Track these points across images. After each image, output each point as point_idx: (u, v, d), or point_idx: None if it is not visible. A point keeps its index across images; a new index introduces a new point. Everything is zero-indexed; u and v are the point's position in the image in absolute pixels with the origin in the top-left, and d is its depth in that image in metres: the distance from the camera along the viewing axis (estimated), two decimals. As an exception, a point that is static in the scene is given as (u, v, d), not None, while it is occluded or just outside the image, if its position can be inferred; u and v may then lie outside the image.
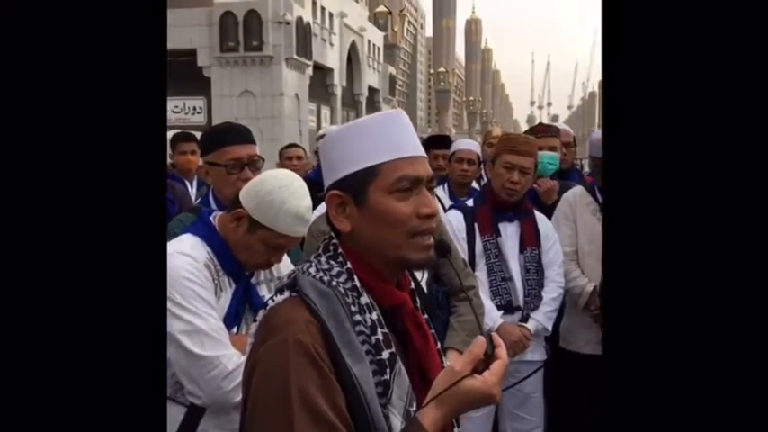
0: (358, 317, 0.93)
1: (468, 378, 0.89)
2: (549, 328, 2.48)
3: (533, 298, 2.45)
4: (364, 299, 0.96)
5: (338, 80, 23.82)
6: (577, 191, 2.79)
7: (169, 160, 4.05)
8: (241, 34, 19.06)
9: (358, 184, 0.97)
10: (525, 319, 2.44)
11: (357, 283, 0.97)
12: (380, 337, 0.94)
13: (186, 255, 1.48)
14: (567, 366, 2.65)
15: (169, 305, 1.40)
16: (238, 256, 1.57)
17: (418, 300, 1.08)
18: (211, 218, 1.65)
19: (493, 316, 2.39)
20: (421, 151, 1.01)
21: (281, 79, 18.44)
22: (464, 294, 2.02)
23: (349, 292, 0.95)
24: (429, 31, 73.48)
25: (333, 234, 1.02)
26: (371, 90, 28.03)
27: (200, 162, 2.09)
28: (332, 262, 0.99)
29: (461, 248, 2.45)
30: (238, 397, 1.26)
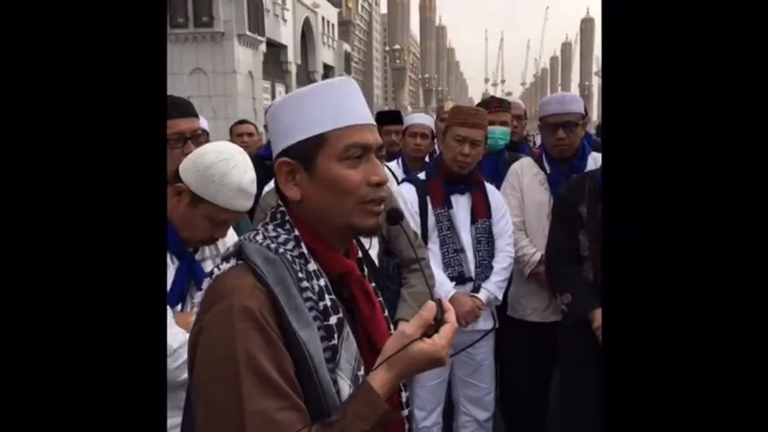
0: (305, 283, 0.93)
1: (417, 341, 0.91)
2: (500, 297, 2.53)
3: (484, 269, 2.49)
4: (311, 266, 0.96)
5: (292, 57, 23.43)
6: (524, 161, 2.83)
7: None
8: (191, 9, 18.48)
9: (307, 152, 0.97)
10: (477, 289, 2.48)
11: (304, 250, 0.96)
12: (328, 303, 0.94)
13: None
14: (515, 334, 2.72)
15: None
16: (181, 233, 1.53)
17: (366, 269, 1.08)
18: None
19: (445, 287, 2.42)
20: (370, 119, 1.01)
21: (233, 56, 18.01)
22: (415, 266, 2.04)
23: (296, 260, 0.95)
24: (384, 8, 72.81)
25: (281, 202, 1.02)
26: (327, 67, 27.69)
27: None
28: (279, 230, 0.98)
29: (414, 221, 2.47)
30: (184, 375, 1.24)
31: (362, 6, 62.03)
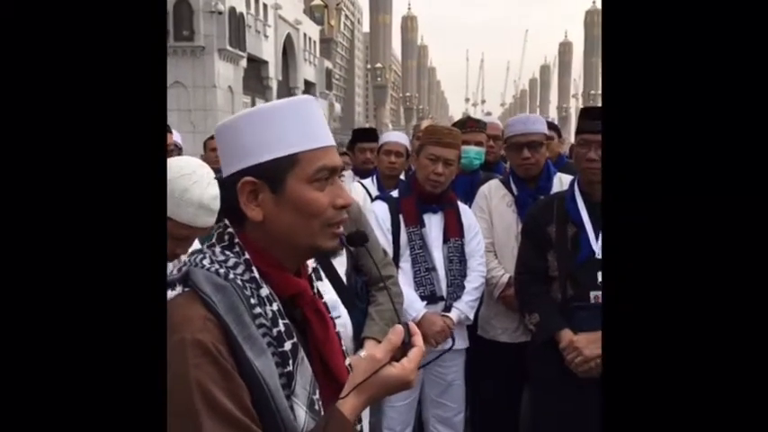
0: (258, 309, 0.90)
1: (387, 366, 0.91)
2: (471, 317, 2.53)
3: (456, 288, 2.49)
4: (264, 290, 0.93)
5: (273, 73, 23.47)
6: (492, 184, 2.86)
7: None
8: (171, 23, 18.44)
9: (276, 172, 0.94)
10: (448, 308, 2.47)
11: (256, 274, 0.93)
12: (282, 328, 0.91)
13: None
14: (486, 354, 2.72)
15: None
16: None
17: (314, 285, 1.07)
18: None
19: (416, 306, 2.41)
20: (333, 140, 1.00)
21: (213, 71, 17.99)
22: (383, 284, 2.03)
23: (247, 284, 0.92)
24: (366, 27, 73.51)
25: (227, 223, 0.98)
26: (308, 84, 27.79)
27: None
28: (227, 252, 0.94)
29: (386, 239, 2.46)
30: None
31: (345, 24, 62.53)
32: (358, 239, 1.03)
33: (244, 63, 20.62)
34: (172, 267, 1.63)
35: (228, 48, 19.07)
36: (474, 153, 3.20)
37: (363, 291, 2.01)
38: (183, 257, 1.62)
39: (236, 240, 0.95)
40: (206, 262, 0.92)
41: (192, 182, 1.46)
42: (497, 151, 3.86)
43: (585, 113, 2.17)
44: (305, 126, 0.95)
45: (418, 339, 0.96)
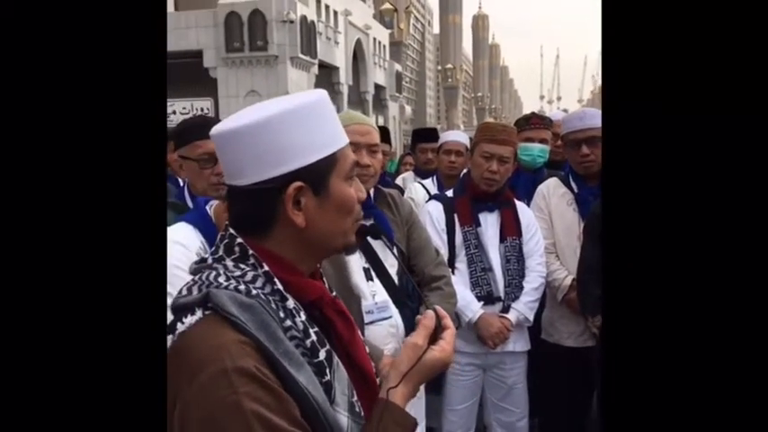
0: (288, 322, 0.86)
1: (429, 350, 0.96)
2: (531, 318, 2.45)
3: (514, 288, 2.41)
4: (290, 303, 0.88)
5: (344, 78, 23.84)
6: (551, 182, 2.75)
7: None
8: (246, 34, 19.15)
9: (320, 174, 0.89)
10: (506, 309, 2.40)
11: (279, 286, 0.88)
12: (314, 338, 0.88)
13: (178, 243, 1.46)
14: (550, 358, 2.62)
15: None
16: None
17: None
18: (207, 207, 1.62)
19: (473, 307, 2.36)
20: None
21: (286, 78, 18.50)
22: (436, 284, 2.00)
23: (271, 298, 0.86)
24: (436, 28, 73.21)
25: (233, 232, 0.91)
26: (378, 87, 28.03)
27: (176, 156, 2.08)
28: (242, 266, 0.88)
29: (441, 239, 2.43)
30: None
31: (415, 27, 62.55)
32: (374, 233, 1.05)
33: (315, 70, 21.07)
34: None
35: (300, 55, 19.55)
36: (537, 150, 3.10)
37: (415, 291, 1.99)
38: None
39: (251, 252, 0.89)
40: (222, 280, 0.86)
41: None
42: (562, 150, 3.73)
43: None
44: (335, 123, 0.93)
45: (448, 321, 1.00)
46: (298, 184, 0.88)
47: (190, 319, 0.83)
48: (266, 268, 0.88)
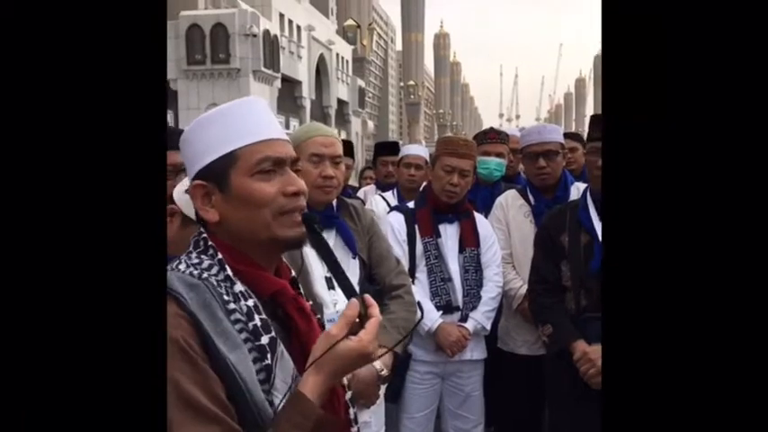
0: (232, 305, 0.92)
1: (344, 340, 0.91)
2: (488, 327, 2.52)
3: (472, 298, 2.48)
4: (238, 287, 0.95)
5: (307, 93, 23.86)
6: (510, 194, 2.85)
7: None
8: (208, 47, 19.00)
9: (219, 171, 0.97)
10: (464, 318, 2.47)
11: (229, 272, 0.96)
12: (258, 323, 0.93)
13: None
14: (505, 366, 2.69)
15: None
16: (172, 252, 1.58)
17: (301, 289, 1.08)
18: None
19: (432, 316, 2.42)
20: (280, 134, 1.01)
21: (248, 91, 18.41)
22: (396, 292, 2.05)
23: (222, 283, 0.94)
24: (399, 45, 74.11)
25: (202, 228, 1.01)
26: (341, 102, 28.12)
27: None
28: (202, 256, 0.97)
29: (402, 250, 2.48)
30: None
31: (378, 44, 63.19)
32: (308, 224, 1.01)
33: (278, 83, 21.00)
34: None
35: (263, 69, 19.47)
36: (494, 164, 3.19)
37: (376, 299, 2.03)
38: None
39: (210, 243, 0.98)
40: (182, 267, 0.96)
41: None
42: (517, 165, 3.84)
43: (596, 121, 2.16)
44: (242, 124, 0.98)
45: (374, 311, 0.96)
46: (196, 182, 0.99)
47: None
48: (220, 257, 0.97)
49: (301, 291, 1.08)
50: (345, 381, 1.06)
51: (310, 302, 1.08)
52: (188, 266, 0.96)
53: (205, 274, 0.94)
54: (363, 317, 0.95)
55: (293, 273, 1.08)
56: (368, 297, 0.97)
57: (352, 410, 1.06)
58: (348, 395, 1.07)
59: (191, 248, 1.00)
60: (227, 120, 0.99)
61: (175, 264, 0.97)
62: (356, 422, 1.07)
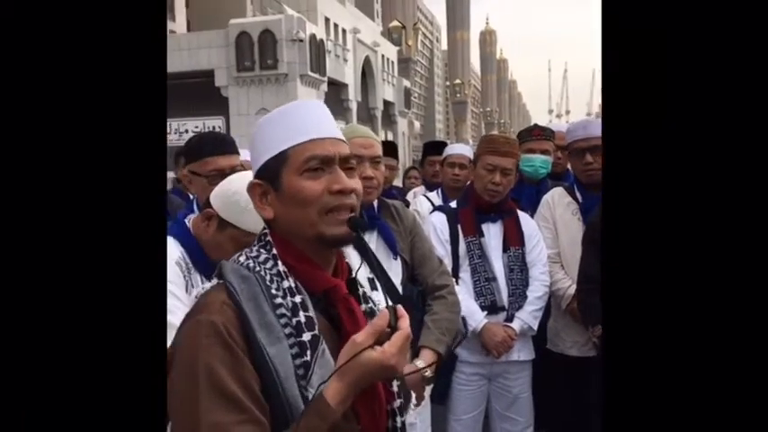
0: (279, 300, 0.96)
1: (368, 350, 0.91)
2: (535, 327, 2.47)
3: (518, 298, 2.44)
4: (287, 283, 0.98)
5: (353, 95, 24.04)
6: (556, 192, 2.78)
7: (173, 175, 4.11)
8: (257, 53, 19.42)
9: (273, 170, 1.02)
10: (510, 318, 2.43)
11: (281, 267, 0.99)
12: (302, 319, 0.95)
13: None
14: (554, 368, 2.63)
15: None
16: (210, 255, 1.62)
17: (361, 290, 1.09)
18: (186, 219, 1.70)
19: (476, 317, 2.39)
20: (334, 133, 1.03)
21: (296, 96, 18.71)
22: (439, 293, 2.03)
23: (274, 277, 0.98)
24: (445, 44, 73.72)
25: (266, 224, 1.06)
26: (387, 103, 28.20)
27: (185, 171, 2.14)
28: (261, 250, 1.02)
29: (445, 249, 2.46)
30: None
31: (423, 43, 63.07)
32: (354, 226, 1.01)
33: (324, 87, 21.25)
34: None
35: (310, 73, 19.73)
36: (540, 162, 3.14)
37: (419, 300, 2.03)
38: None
39: (268, 239, 1.03)
40: (242, 258, 1.01)
41: None
42: (565, 162, 3.76)
43: None
44: (294, 124, 1.02)
45: (404, 323, 0.94)
46: (253, 182, 1.04)
47: (208, 285, 1.00)
48: (275, 252, 1.01)
49: (361, 291, 1.08)
50: (396, 388, 1.06)
51: (370, 305, 1.08)
52: (247, 258, 1.01)
53: (258, 267, 0.98)
54: (393, 328, 0.93)
55: (352, 274, 1.09)
56: (400, 308, 0.96)
57: (399, 419, 1.05)
58: (397, 403, 1.06)
59: (255, 242, 1.05)
60: (283, 120, 1.04)
61: (237, 256, 1.03)
62: (404, 430, 1.06)
